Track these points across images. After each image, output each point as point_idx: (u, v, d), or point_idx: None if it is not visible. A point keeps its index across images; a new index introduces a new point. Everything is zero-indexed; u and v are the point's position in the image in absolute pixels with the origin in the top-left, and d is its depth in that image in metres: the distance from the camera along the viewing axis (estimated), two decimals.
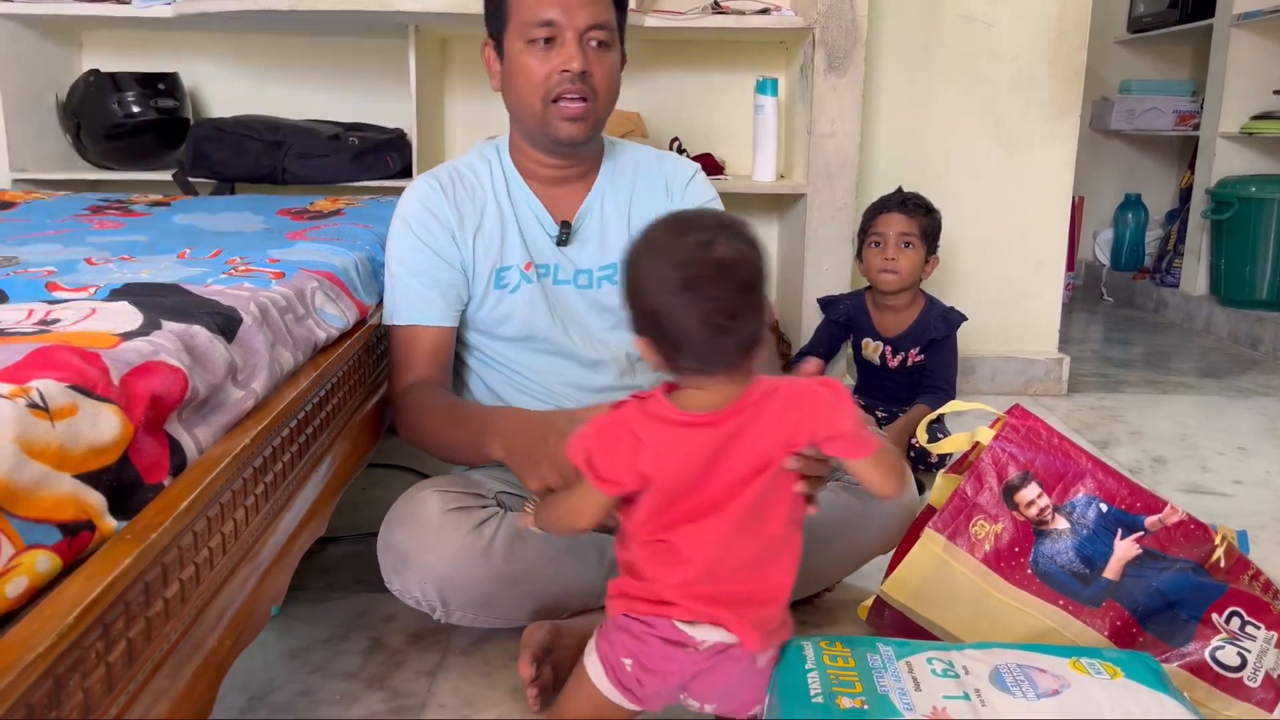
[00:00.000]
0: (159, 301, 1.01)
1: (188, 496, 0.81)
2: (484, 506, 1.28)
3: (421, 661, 1.34)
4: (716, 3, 2.41)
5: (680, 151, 2.54)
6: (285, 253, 1.43)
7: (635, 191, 1.48)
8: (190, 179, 2.38)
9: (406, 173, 2.42)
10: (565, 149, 1.39)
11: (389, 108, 2.54)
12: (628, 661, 0.97)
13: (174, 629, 0.78)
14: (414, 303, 1.40)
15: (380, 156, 2.41)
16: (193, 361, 0.89)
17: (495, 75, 1.40)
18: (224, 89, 2.64)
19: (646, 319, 0.91)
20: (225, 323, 1.00)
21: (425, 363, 1.40)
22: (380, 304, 1.60)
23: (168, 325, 0.92)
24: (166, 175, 2.41)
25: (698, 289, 0.87)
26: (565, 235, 1.44)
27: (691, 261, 0.87)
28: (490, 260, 1.42)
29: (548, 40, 1.30)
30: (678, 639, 0.96)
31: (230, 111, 2.55)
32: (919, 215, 2.15)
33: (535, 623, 1.25)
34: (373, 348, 1.49)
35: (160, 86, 2.46)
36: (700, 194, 1.51)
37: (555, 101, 1.32)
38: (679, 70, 2.65)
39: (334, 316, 1.30)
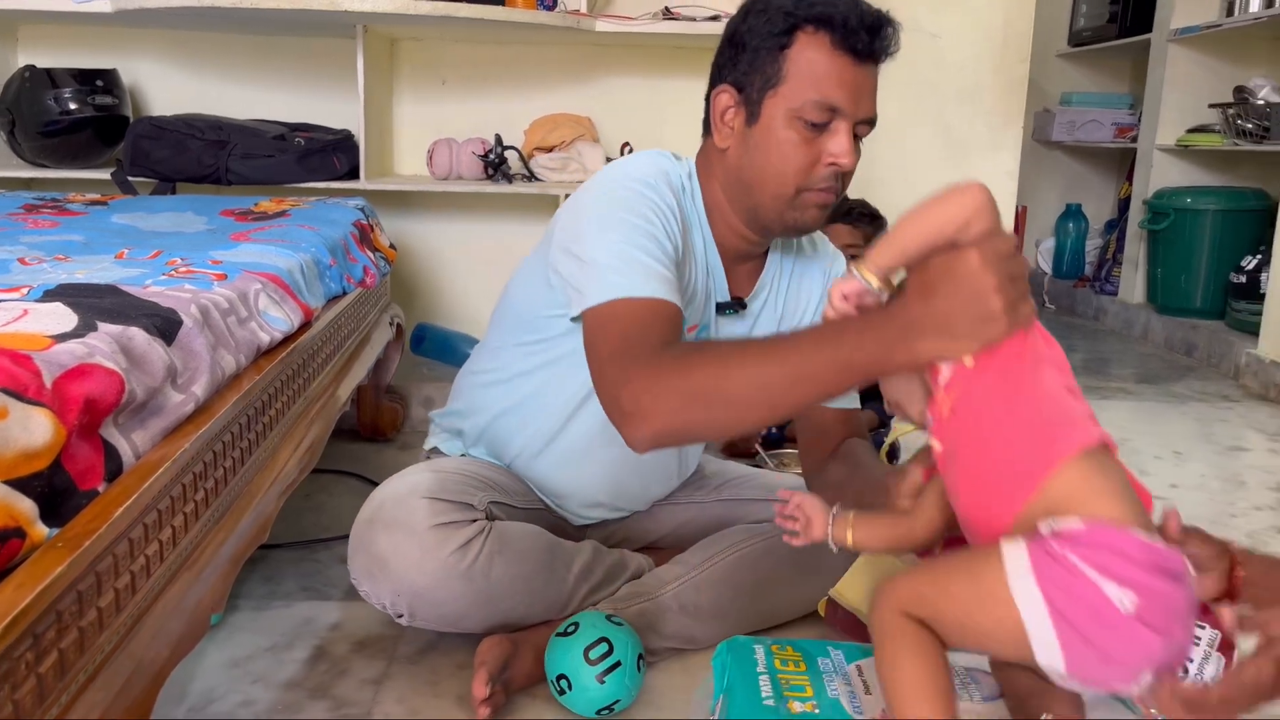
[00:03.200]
0: (95, 303, 0.98)
1: (123, 503, 0.78)
2: (473, 520, 1.25)
3: (367, 670, 1.32)
4: (668, 9, 2.42)
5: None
6: (228, 254, 1.40)
7: (793, 277, 1.38)
8: (129, 178, 2.32)
9: (353, 174, 2.39)
10: (785, 233, 1.26)
11: (336, 108, 2.51)
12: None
13: (108, 639, 0.76)
14: (655, 273, 1.10)
15: (327, 158, 2.37)
16: (130, 364, 0.87)
17: (729, 133, 1.20)
18: (165, 87, 2.58)
19: None
20: (164, 324, 0.97)
21: (668, 335, 1.07)
22: (331, 301, 1.58)
23: (104, 327, 0.89)
24: (105, 174, 2.35)
25: None
26: (736, 310, 1.32)
27: None
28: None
29: (820, 124, 1.14)
30: None
31: (172, 110, 2.49)
32: (864, 225, 2.17)
33: (491, 637, 1.23)
34: (318, 351, 1.47)
35: (99, 83, 2.39)
36: (843, 259, 1.42)
37: (807, 189, 1.18)
38: (630, 75, 2.65)
39: (278, 319, 1.28)
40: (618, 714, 1.20)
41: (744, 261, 1.32)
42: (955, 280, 0.83)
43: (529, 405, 1.36)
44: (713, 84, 1.23)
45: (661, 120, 2.67)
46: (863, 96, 1.15)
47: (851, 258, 2.09)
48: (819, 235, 1.41)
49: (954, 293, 0.83)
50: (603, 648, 1.17)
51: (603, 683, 1.17)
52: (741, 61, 1.17)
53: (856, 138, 1.18)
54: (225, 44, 2.56)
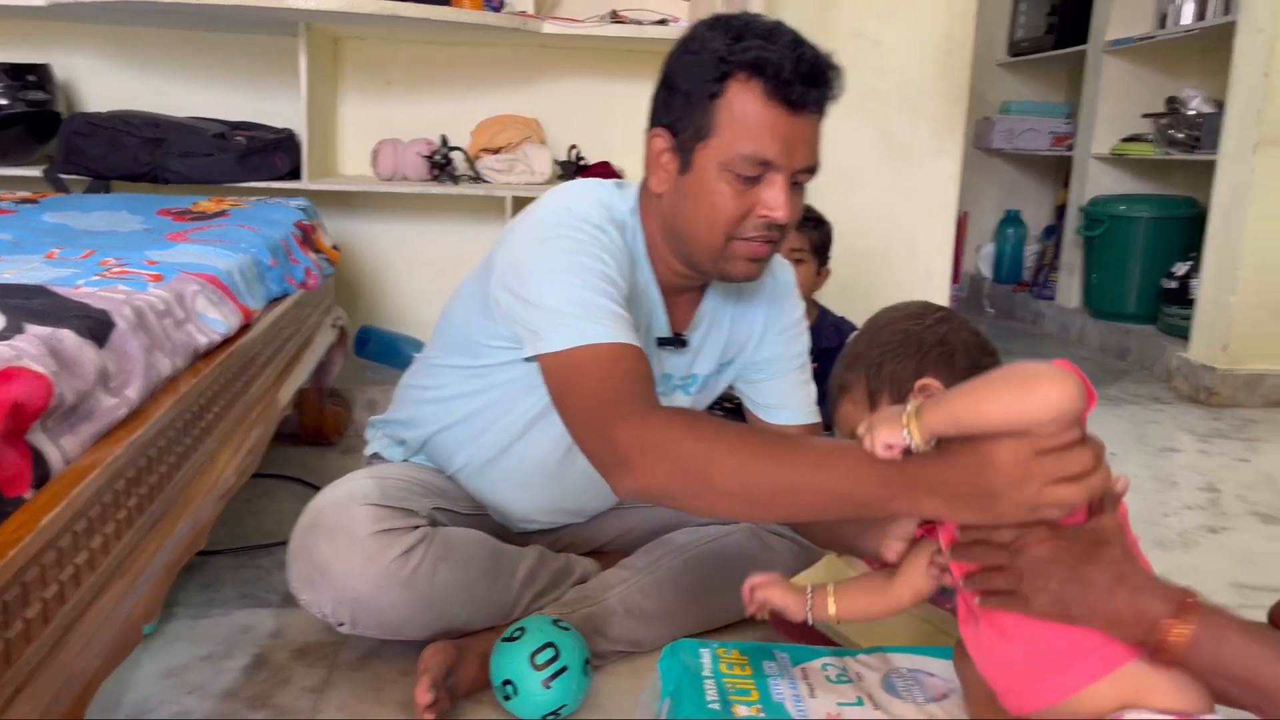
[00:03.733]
0: (23, 304, 0.95)
1: (51, 510, 0.76)
2: (415, 527, 1.23)
3: (308, 678, 1.30)
4: (615, 12, 2.42)
5: (579, 159, 2.53)
6: (165, 254, 1.37)
7: (739, 305, 1.34)
8: (62, 175, 2.26)
9: (295, 174, 2.35)
10: (721, 279, 1.23)
11: (278, 107, 2.46)
12: None
13: (36, 651, 0.73)
14: (617, 315, 1.08)
15: (268, 157, 2.33)
16: (59, 367, 0.84)
17: (663, 178, 1.16)
18: (100, 84, 2.51)
19: None
20: (96, 326, 0.95)
21: (646, 384, 1.05)
22: (272, 303, 1.55)
23: (31, 329, 0.87)
24: (36, 171, 2.29)
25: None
26: (678, 344, 1.29)
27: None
28: None
29: (753, 178, 1.11)
30: None
31: (107, 107, 2.42)
32: (809, 230, 2.18)
33: (436, 644, 1.22)
34: (258, 354, 1.44)
35: (30, 78, 2.32)
36: (796, 308, 1.40)
37: (739, 239, 1.14)
38: (577, 77, 2.64)
39: (216, 321, 1.25)
40: (564, 719, 1.20)
41: (683, 294, 1.29)
42: (978, 455, 0.83)
43: (470, 426, 1.34)
44: (650, 124, 1.18)
45: (609, 123, 2.66)
46: (798, 148, 1.10)
47: (797, 261, 2.13)
48: (781, 266, 1.38)
49: (970, 465, 0.84)
50: (549, 653, 1.17)
51: (549, 688, 1.16)
52: (674, 105, 1.13)
53: (797, 184, 1.14)
54: (163, 40, 2.51)
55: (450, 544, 1.24)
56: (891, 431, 0.84)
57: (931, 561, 0.96)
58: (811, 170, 1.14)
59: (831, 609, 0.99)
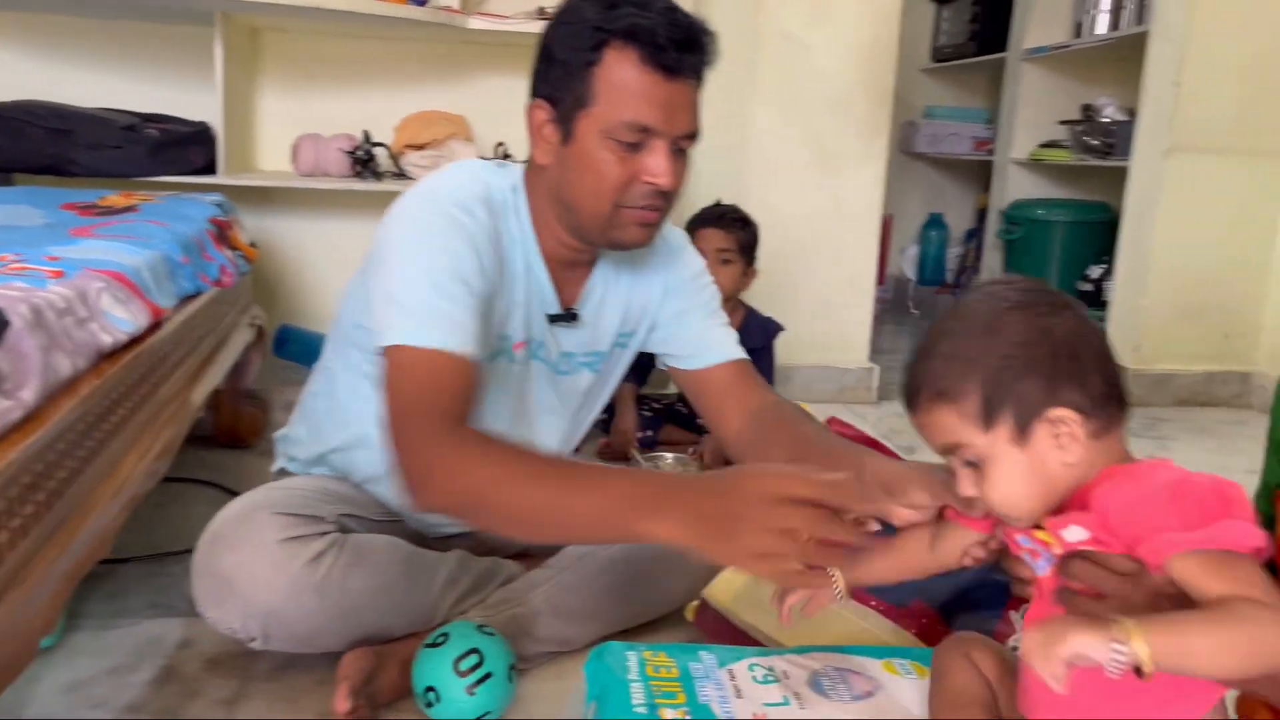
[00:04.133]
0: None
1: None
2: (323, 534, 1.19)
3: (220, 689, 1.25)
4: (542, 9, 2.39)
5: (506, 157, 2.50)
6: (68, 250, 1.31)
7: (634, 275, 1.33)
8: None
9: (210, 169, 2.28)
10: (611, 249, 1.23)
11: (193, 99, 2.38)
12: None
13: None
14: (457, 322, 1.08)
15: (182, 150, 2.26)
16: None
17: (547, 149, 1.16)
18: (3, 72, 2.40)
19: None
20: None
21: (460, 400, 1.06)
22: (184, 302, 1.50)
23: None
24: None
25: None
26: (569, 319, 1.29)
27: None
28: (493, 326, 1.21)
29: (634, 144, 1.11)
30: None
31: (10, 96, 2.31)
32: (736, 230, 2.19)
33: (354, 651, 1.18)
34: (169, 354, 1.39)
35: None
36: (693, 261, 1.39)
37: (626, 206, 1.14)
38: (504, 74, 2.61)
39: (122, 320, 1.20)
40: None
41: (572, 268, 1.28)
42: (737, 486, 0.88)
43: (370, 436, 1.26)
44: (531, 94, 1.17)
45: None
46: (677, 113, 1.11)
47: (724, 262, 2.13)
48: (668, 229, 1.37)
49: (720, 493, 0.88)
50: (473, 659, 1.14)
51: (473, 694, 1.13)
52: (553, 76, 1.13)
53: (681, 151, 1.15)
54: (70, 28, 2.41)
55: (361, 549, 1.21)
56: (1097, 646, 0.68)
57: (967, 552, 0.94)
58: (692, 136, 1.14)
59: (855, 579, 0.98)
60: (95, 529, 1.03)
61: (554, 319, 1.28)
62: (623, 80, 1.09)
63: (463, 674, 1.13)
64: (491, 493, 0.97)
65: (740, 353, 1.36)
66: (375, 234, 1.20)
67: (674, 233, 1.39)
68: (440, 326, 1.07)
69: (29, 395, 0.92)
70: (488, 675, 1.14)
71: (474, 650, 1.15)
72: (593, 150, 1.11)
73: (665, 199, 1.15)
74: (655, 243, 1.28)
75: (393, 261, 1.12)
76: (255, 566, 1.14)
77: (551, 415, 1.35)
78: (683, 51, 1.09)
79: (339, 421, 1.34)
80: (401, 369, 1.06)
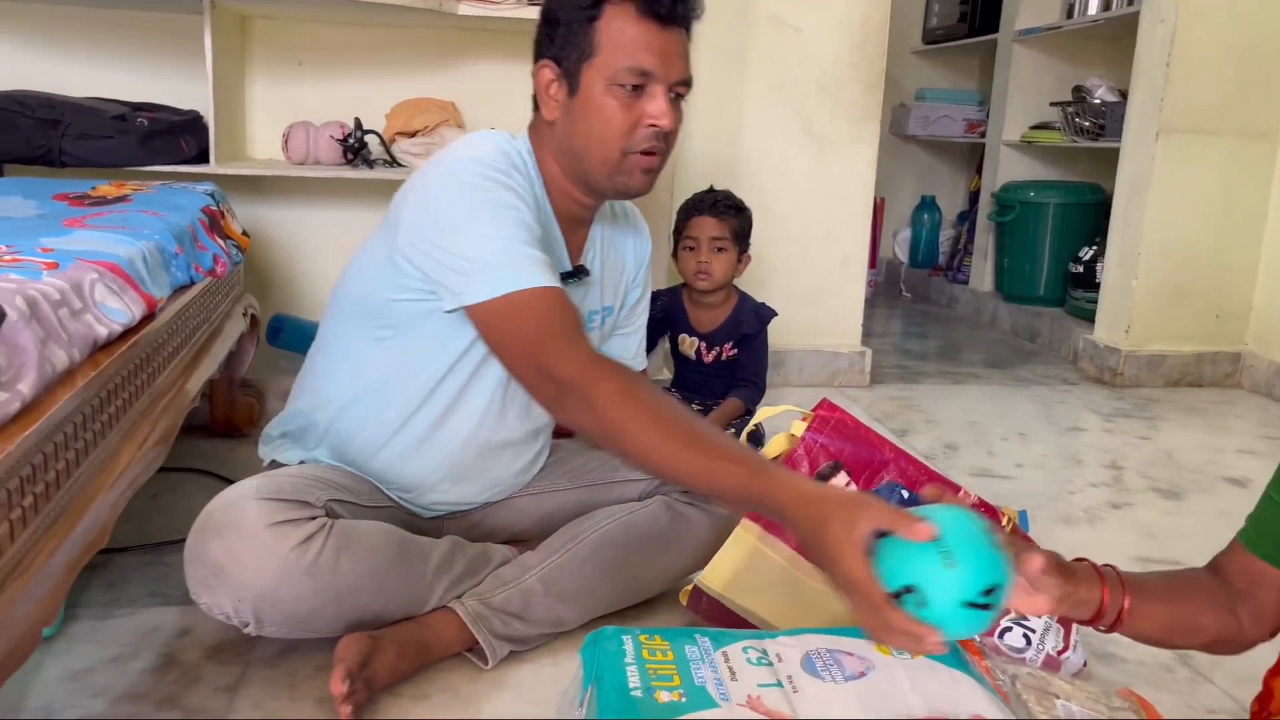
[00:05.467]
0: None
1: None
2: (312, 518, 1.20)
3: (220, 676, 1.26)
4: None
5: None
6: (61, 241, 1.31)
7: (609, 243, 1.46)
8: None
9: (202, 158, 2.28)
10: (616, 196, 1.32)
11: (184, 88, 2.37)
12: None
13: None
14: (540, 260, 1.17)
15: (173, 140, 2.25)
16: None
17: (554, 105, 1.28)
18: None
19: None
20: None
21: (577, 324, 1.17)
22: (178, 292, 1.50)
23: None
24: None
25: None
26: (579, 276, 1.38)
27: None
28: None
29: (636, 88, 1.22)
30: None
31: (0, 87, 2.32)
32: (730, 217, 2.19)
33: (350, 635, 1.19)
34: (163, 344, 1.40)
35: None
36: (648, 244, 1.55)
37: (632, 151, 1.24)
38: (494, 60, 2.61)
39: (117, 311, 1.20)
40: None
41: (579, 228, 1.39)
42: (820, 512, 0.89)
43: (373, 396, 1.34)
44: (535, 60, 1.29)
45: (527, 106, 2.63)
46: (673, 59, 1.23)
47: (719, 250, 2.14)
48: (632, 208, 1.51)
49: (811, 519, 0.90)
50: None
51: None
52: (557, 37, 1.25)
53: (678, 98, 1.25)
54: (60, 16, 2.40)
55: (351, 534, 1.21)
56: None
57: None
58: (687, 83, 1.25)
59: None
60: (94, 519, 1.04)
61: (564, 276, 1.32)
62: (621, 30, 1.21)
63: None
64: (625, 435, 1.04)
65: (642, 359, 1.55)
66: (402, 203, 1.27)
67: (633, 208, 1.53)
68: (530, 268, 1.16)
69: (26, 388, 0.92)
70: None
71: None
72: (598, 97, 1.23)
73: (666, 141, 1.26)
74: (632, 219, 1.49)
75: (456, 226, 1.19)
76: (242, 552, 1.15)
77: None
78: (675, 1, 1.22)
79: (343, 386, 1.36)
80: (510, 315, 1.15)
